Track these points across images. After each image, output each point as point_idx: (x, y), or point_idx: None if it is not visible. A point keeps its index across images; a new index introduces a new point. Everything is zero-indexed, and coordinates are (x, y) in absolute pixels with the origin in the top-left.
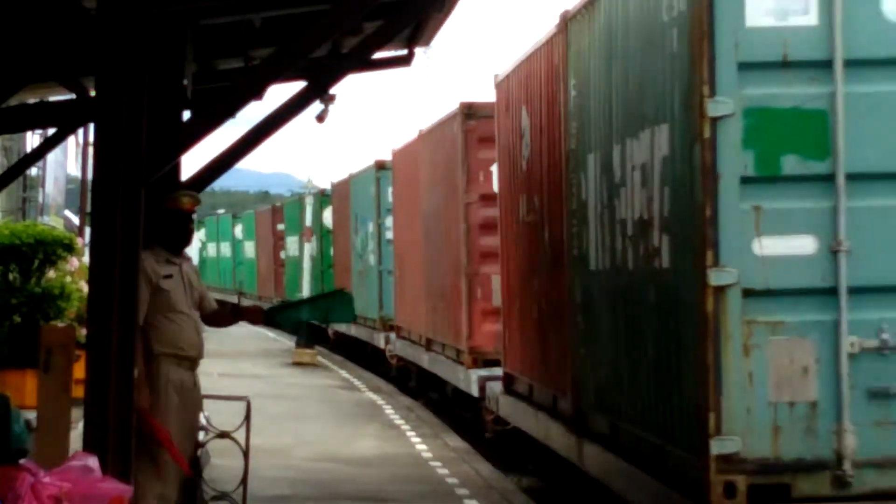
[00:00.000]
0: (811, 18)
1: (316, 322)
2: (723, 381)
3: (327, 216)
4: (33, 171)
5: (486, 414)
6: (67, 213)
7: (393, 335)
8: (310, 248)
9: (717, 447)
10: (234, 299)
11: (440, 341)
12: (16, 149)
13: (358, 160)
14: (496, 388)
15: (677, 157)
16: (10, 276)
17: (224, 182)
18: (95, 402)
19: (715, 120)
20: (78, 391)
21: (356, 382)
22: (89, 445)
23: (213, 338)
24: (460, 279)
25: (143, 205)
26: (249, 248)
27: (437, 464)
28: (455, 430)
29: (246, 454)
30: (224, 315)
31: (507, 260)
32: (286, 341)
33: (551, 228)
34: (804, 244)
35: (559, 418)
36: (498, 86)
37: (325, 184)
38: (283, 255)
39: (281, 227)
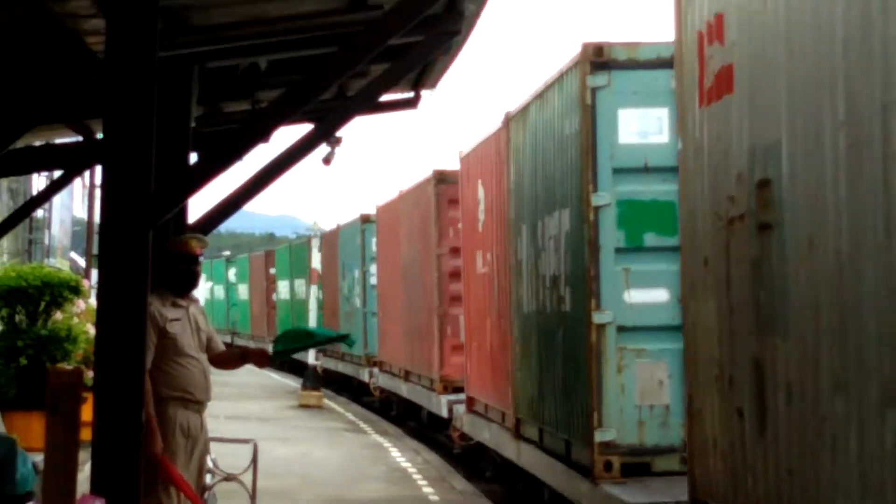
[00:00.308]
0: (664, 137)
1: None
2: (603, 391)
3: (316, 262)
4: (39, 213)
5: (454, 431)
6: (73, 255)
7: (376, 370)
8: (316, 291)
9: (599, 436)
10: (227, 339)
11: (416, 372)
12: (22, 191)
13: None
14: (461, 409)
15: (574, 232)
16: (17, 319)
17: (230, 224)
18: (103, 444)
19: (597, 208)
20: (85, 433)
21: (362, 425)
22: (97, 488)
23: (219, 380)
24: (433, 319)
25: (150, 247)
26: (243, 291)
27: None
28: (431, 447)
29: (253, 497)
30: (232, 357)
31: (469, 303)
32: (292, 383)
33: (499, 279)
34: (659, 295)
35: (505, 429)
36: (462, 160)
37: (332, 226)
38: (274, 297)
39: (273, 270)
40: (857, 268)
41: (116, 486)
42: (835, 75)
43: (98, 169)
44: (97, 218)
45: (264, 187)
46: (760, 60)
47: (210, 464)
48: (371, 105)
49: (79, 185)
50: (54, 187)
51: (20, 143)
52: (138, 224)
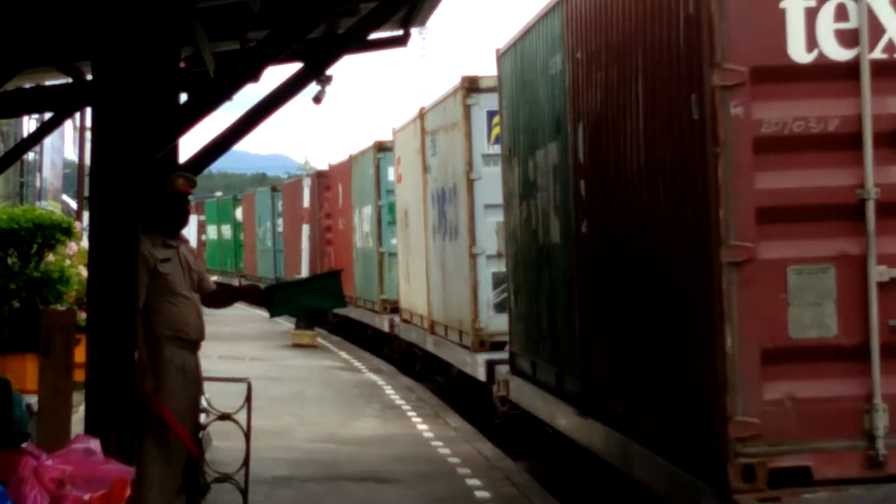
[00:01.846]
0: None
1: (310, 308)
2: None
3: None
4: (30, 155)
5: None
6: (65, 197)
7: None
8: (307, 230)
9: None
10: (235, 282)
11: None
12: (12, 134)
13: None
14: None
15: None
16: (9, 261)
17: (221, 164)
18: (96, 385)
19: None
20: (78, 375)
21: (356, 364)
22: (91, 428)
23: (212, 320)
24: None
25: (141, 188)
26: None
27: (439, 444)
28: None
29: (247, 436)
30: (222, 296)
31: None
32: (285, 323)
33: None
34: None
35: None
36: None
37: (323, 165)
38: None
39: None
40: None
41: (110, 426)
42: None
43: (89, 110)
44: (88, 160)
45: (254, 127)
46: None
47: (204, 403)
48: (360, 43)
49: (69, 128)
50: (45, 130)
51: (10, 86)
52: (129, 165)
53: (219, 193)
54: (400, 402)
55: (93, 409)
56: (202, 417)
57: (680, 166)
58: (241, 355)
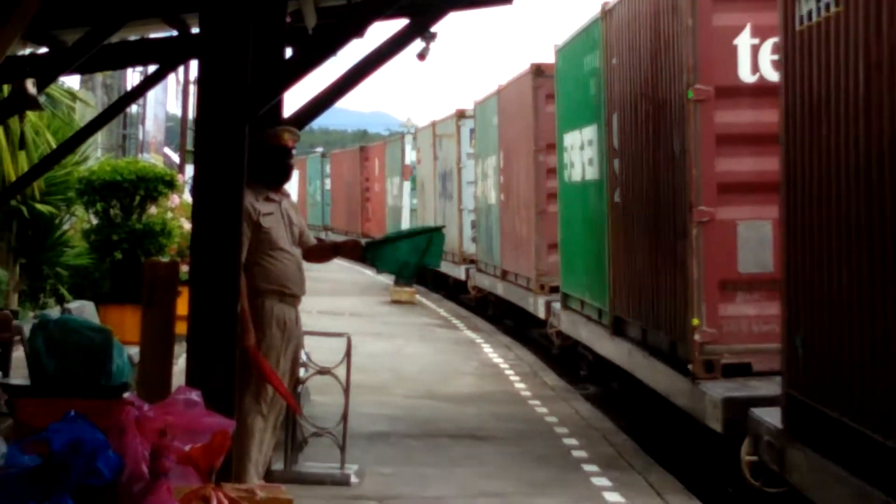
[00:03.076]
0: None
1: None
2: None
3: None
4: (133, 108)
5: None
6: (167, 150)
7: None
8: (408, 186)
9: None
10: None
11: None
12: (116, 86)
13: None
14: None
15: None
16: (112, 213)
17: (322, 121)
18: (198, 337)
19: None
20: (179, 327)
21: (454, 321)
22: (192, 380)
23: (312, 276)
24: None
25: (247, 141)
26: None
27: (536, 402)
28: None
29: (346, 390)
30: (324, 250)
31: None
32: (384, 280)
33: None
34: None
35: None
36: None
37: (425, 122)
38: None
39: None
40: None
41: (211, 379)
42: None
43: (192, 64)
44: (191, 114)
45: (357, 83)
46: None
47: (304, 357)
48: (467, 0)
49: (172, 81)
50: (148, 82)
51: (115, 38)
52: (235, 117)
53: (320, 149)
54: (498, 360)
55: (194, 362)
56: (301, 372)
57: (670, 154)
58: (340, 310)
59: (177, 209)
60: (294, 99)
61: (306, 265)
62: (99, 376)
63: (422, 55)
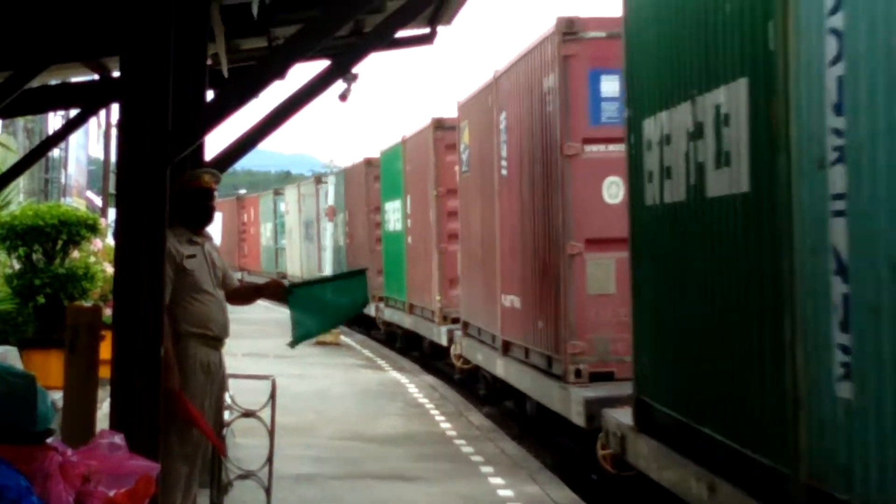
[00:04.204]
0: None
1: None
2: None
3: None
4: (55, 152)
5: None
6: (89, 193)
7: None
8: (331, 227)
9: None
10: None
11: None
12: (38, 130)
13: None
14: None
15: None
16: (34, 257)
17: (245, 163)
18: (122, 381)
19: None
20: (103, 371)
21: (379, 361)
22: (116, 424)
23: (236, 317)
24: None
25: (168, 184)
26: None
27: (462, 441)
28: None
29: (271, 433)
30: (247, 292)
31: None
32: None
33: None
34: None
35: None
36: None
37: (347, 163)
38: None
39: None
40: None
41: (135, 422)
42: None
43: (114, 107)
44: (113, 157)
45: (280, 125)
46: None
47: (228, 400)
48: (387, 41)
49: (94, 125)
50: (70, 126)
51: (36, 82)
52: (156, 161)
53: (243, 191)
54: (423, 399)
55: (118, 405)
56: (226, 414)
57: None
58: (264, 352)
59: (100, 253)
60: (217, 141)
61: (230, 307)
62: (23, 422)
63: (343, 96)
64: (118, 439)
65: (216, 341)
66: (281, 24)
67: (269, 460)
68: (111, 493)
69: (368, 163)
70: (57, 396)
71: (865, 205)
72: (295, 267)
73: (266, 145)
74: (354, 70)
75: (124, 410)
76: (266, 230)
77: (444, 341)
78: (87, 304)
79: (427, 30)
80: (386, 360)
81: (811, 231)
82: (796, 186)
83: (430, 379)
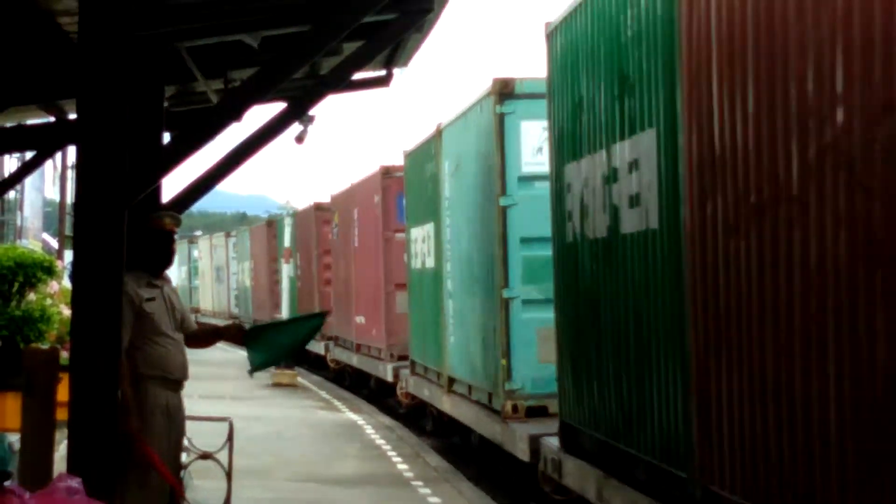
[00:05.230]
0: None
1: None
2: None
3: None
4: (11, 194)
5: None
6: (45, 236)
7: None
8: (287, 269)
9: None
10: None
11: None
12: None
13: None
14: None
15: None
16: None
17: (201, 204)
18: (79, 424)
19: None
20: (60, 414)
21: (336, 403)
22: (73, 468)
23: (193, 359)
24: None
25: (125, 226)
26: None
27: (419, 483)
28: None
29: (229, 475)
30: (206, 335)
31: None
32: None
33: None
34: None
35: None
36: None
37: (304, 205)
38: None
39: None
40: None
41: (93, 465)
42: None
43: (70, 150)
44: (69, 199)
45: (237, 167)
46: None
47: (186, 442)
48: (344, 83)
49: (49, 167)
50: (26, 169)
51: None
52: (113, 204)
53: (199, 233)
54: (380, 441)
55: (75, 448)
56: (183, 457)
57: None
58: (221, 394)
59: (56, 295)
60: (174, 182)
61: (187, 350)
62: None
63: (300, 138)
64: (76, 483)
65: (176, 384)
66: (238, 67)
67: (227, 502)
68: None
69: (318, 207)
70: (14, 439)
71: None
72: (207, 303)
73: (222, 186)
74: (311, 112)
75: (82, 453)
76: (181, 272)
77: (390, 377)
78: (44, 346)
79: (383, 72)
80: (343, 401)
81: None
82: None
83: (386, 420)
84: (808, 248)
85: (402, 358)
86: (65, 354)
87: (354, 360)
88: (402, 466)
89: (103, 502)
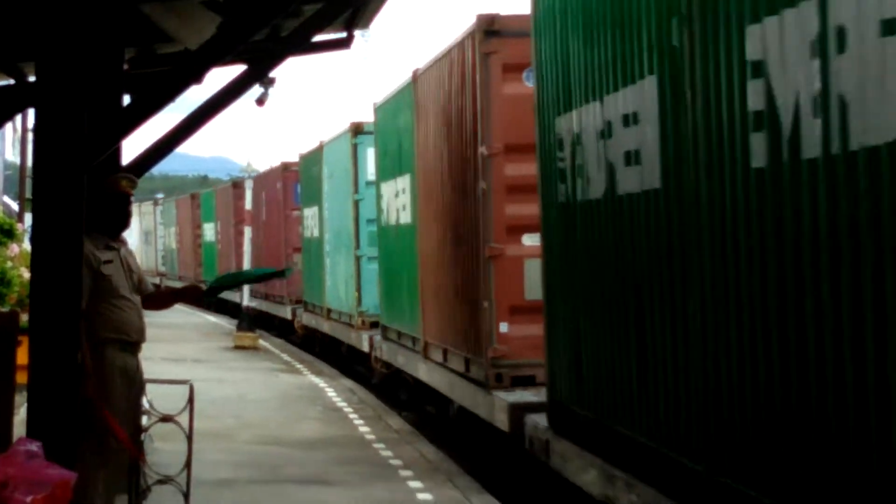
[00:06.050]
0: None
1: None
2: None
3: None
4: None
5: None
6: (6, 199)
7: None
8: (249, 232)
9: None
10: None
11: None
12: None
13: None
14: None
15: None
16: None
17: (163, 166)
18: (38, 387)
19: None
20: (20, 377)
21: (298, 366)
22: (33, 431)
23: (154, 322)
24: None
25: (85, 189)
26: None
27: (381, 445)
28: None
29: (189, 438)
30: (163, 297)
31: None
32: (227, 325)
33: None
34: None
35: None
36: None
37: (265, 167)
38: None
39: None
40: None
41: (52, 428)
42: None
43: (31, 112)
44: (30, 161)
45: (197, 129)
46: None
47: (146, 405)
48: (304, 45)
49: (10, 129)
50: None
51: None
52: (72, 166)
53: (160, 195)
54: (342, 404)
55: (35, 412)
56: (144, 419)
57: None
58: (182, 357)
59: (16, 258)
60: (134, 145)
61: (146, 312)
62: None
63: (261, 101)
64: (35, 447)
65: (134, 346)
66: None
67: (188, 465)
68: (28, 500)
69: (235, 185)
70: None
71: None
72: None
73: (183, 148)
74: (271, 74)
75: (41, 417)
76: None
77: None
78: (4, 309)
79: (344, 34)
80: (304, 364)
81: None
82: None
83: (348, 383)
84: None
85: (298, 302)
86: (25, 318)
87: (264, 305)
88: (364, 429)
89: (62, 466)
